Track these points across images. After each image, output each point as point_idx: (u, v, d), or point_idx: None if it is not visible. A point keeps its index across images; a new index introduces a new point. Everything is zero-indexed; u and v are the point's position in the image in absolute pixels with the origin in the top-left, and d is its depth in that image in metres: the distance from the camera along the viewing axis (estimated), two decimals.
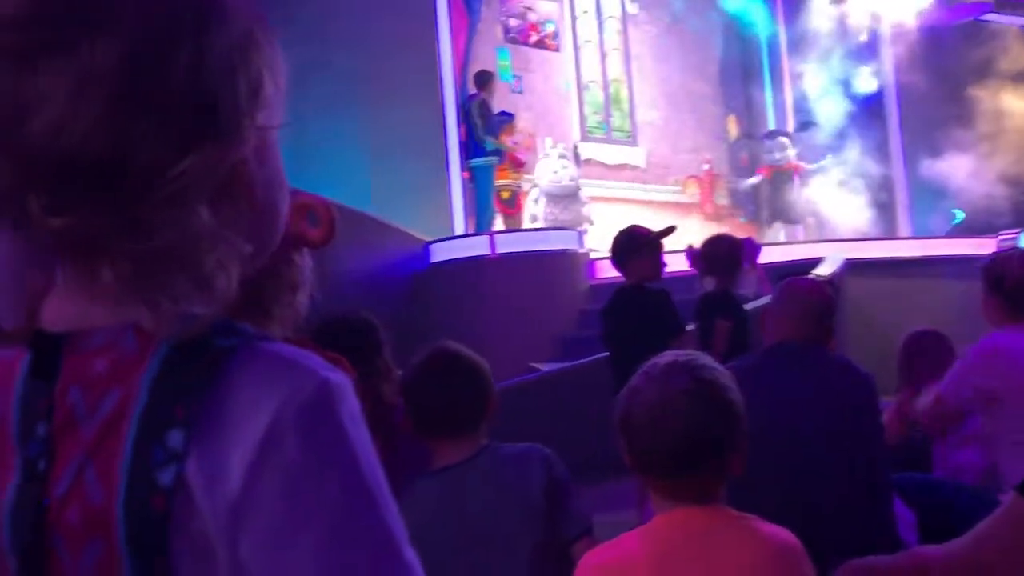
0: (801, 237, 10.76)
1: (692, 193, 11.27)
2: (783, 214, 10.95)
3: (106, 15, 0.56)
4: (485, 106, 7.63)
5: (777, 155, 11.11)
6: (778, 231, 11.00)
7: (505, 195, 8.08)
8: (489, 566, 1.73)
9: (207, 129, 0.58)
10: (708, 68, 11.88)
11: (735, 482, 1.45)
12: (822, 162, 11.13)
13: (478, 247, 7.11)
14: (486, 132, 7.56)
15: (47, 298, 0.62)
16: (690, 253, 4.46)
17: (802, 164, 11.11)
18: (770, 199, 11.20)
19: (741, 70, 12.32)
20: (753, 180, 11.46)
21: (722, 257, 4.08)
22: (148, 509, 0.56)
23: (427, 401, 1.86)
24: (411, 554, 0.59)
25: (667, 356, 1.50)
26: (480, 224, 7.63)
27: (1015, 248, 2.89)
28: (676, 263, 4.46)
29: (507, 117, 8.14)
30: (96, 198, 0.56)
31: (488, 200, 7.68)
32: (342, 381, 0.59)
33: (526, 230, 7.89)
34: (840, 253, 7.77)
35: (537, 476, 1.77)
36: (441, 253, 7.16)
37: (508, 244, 7.15)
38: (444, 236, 7.53)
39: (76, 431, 0.58)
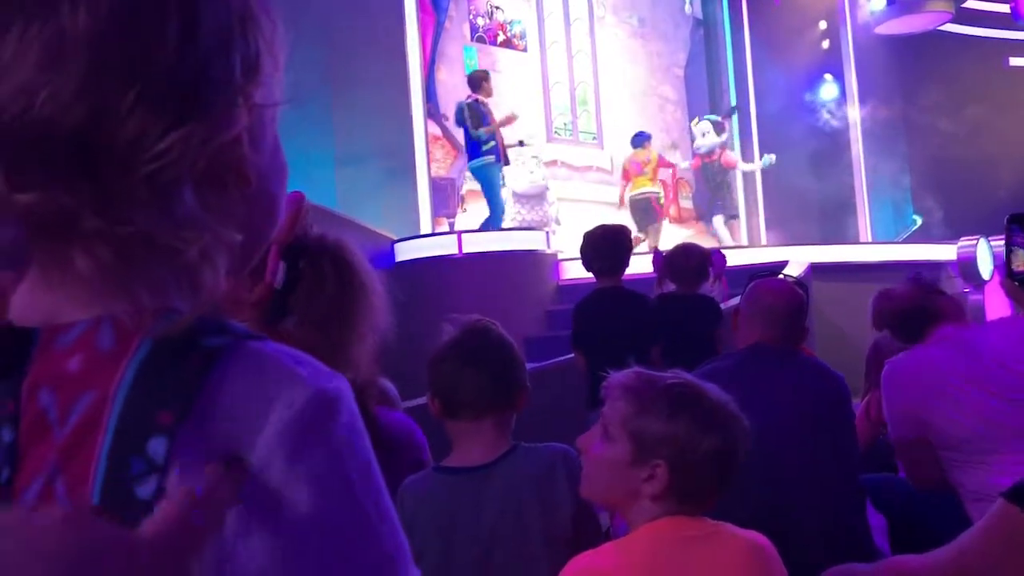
0: (736, 232, 10.62)
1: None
2: (721, 208, 10.68)
3: None
4: (475, 107, 7.51)
5: (699, 142, 10.76)
6: (718, 225, 10.70)
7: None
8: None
9: (195, 105, 0.53)
10: (674, 72, 11.97)
11: None
12: (763, 161, 10.92)
13: (445, 246, 7.04)
14: (478, 126, 7.46)
15: (16, 290, 0.56)
16: (657, 257, 4.42)
17: (736, 160, 10.84)
18: (704, 191, 10.96)
19: (707, 74, 12.42)
20: (684, 164, 11.18)
21: (692, 268, 4.07)
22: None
23: (458, 377, 1.70)
24: (415, 574, 0.55)
25: (670, 379, 1.44)
26: (492, 223, 7.54)
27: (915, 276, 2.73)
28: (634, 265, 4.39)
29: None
30: (68, 174, 0.50)
31: (496, 200, 7.57)
32: (339, 390, 0.54)
33: (494, 229, 7.87)
34: (803, 256, 7.83)
35: (566, 500, 1.63)
36: (407, 252, 7.07)
37: (475, 244, 7.08)
38: (410, 235, 7.46)
39: (47, 437, 0.52)
